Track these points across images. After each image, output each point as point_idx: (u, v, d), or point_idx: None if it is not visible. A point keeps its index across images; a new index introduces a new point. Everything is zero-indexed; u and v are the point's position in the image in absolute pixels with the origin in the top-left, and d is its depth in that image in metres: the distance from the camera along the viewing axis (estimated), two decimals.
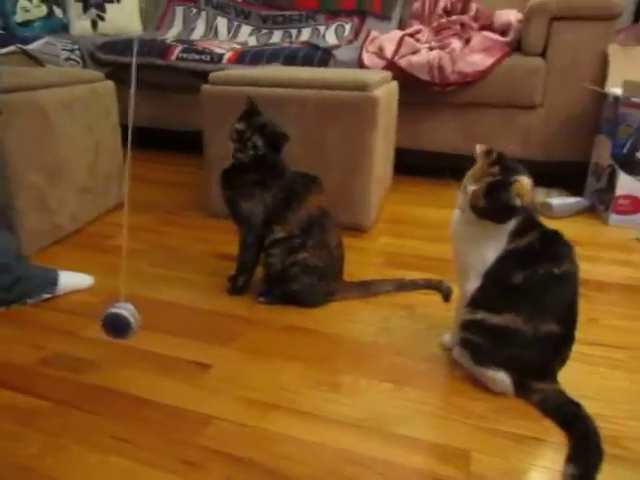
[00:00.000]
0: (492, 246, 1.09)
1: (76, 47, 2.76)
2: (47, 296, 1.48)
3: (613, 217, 2.13)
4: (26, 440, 1.00)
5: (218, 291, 1.56)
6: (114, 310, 1.06)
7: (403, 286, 1.55)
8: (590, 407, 1.05)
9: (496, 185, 1.05)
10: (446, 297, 1.47)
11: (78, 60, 2.76)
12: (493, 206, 1.05)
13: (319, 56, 2.58)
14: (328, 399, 1.12)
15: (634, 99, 2.03)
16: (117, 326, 1.06)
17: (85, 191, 1.97)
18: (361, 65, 2.52)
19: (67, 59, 2.70)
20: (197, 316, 1.44)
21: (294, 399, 1.12)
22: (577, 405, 1.06)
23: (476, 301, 1.13)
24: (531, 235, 1.08)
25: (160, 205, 2.28)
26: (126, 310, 1.06)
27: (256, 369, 1.22)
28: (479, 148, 1.11)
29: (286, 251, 1.43)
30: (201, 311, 1.46)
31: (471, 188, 1.08)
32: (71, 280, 1.53)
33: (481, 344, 1.12)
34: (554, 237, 1.10)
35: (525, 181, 1.06)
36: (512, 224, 1.08)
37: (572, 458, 0.95)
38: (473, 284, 1.13)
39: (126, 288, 1.56)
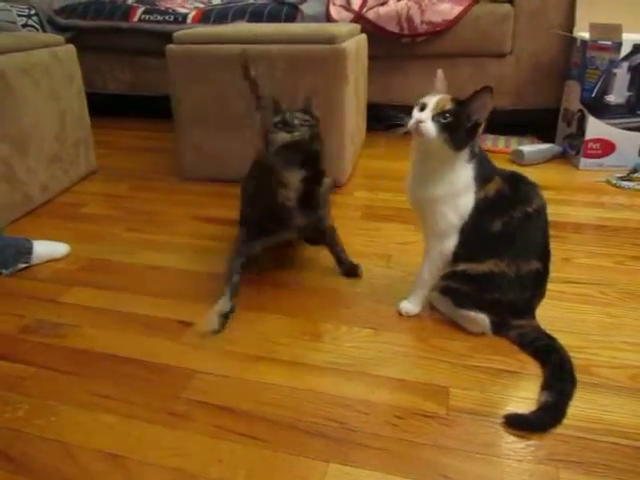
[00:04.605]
0: (466, 197, 1.09)
1: (33, 12, 2.65)
2: (23, 266, 1.46)
3: (583, 161, 2.16)
4: (13, 404, 1.01)
5: (197, 252, 1.56)
6: None
7: None
8: (564, 340, 1.09)
9: (468, 99, 1.03)
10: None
11: (37, 26, 2.65)
12: (464, 113, 1.03)
13: (286, 11, 2.53)
14: (310, 347, 1.14)
15: (601, 42, 2.03)
16: None
17: (54, 160, 1.93)
18: (329, 19, 2.47)
19: (25, 25, 2.60)
20: (177, 277, 1.44)
21: (276, 349, 1.14)
22: (551, 338, 1.10)
23: (456, 255, 1.13)
24: (496, 182, 1.10)
25: (134, 171, 2.25)
26: None
27: (238, 324, 1.23)
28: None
29: None
30: (180, 272, 1.46)
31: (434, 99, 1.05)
32: (46, 249, 1.52)
33: (464, 290, 1.13)
34: (519, 179, 1.12)
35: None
36: (471, 170, 1.08)
37: (547, 386, 0.99)
38: (452, 241, 1.12)
39: (104, 253, 1.56)
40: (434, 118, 1.02)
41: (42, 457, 0.89)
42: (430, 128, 1.02)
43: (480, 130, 1.06)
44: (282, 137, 1.21)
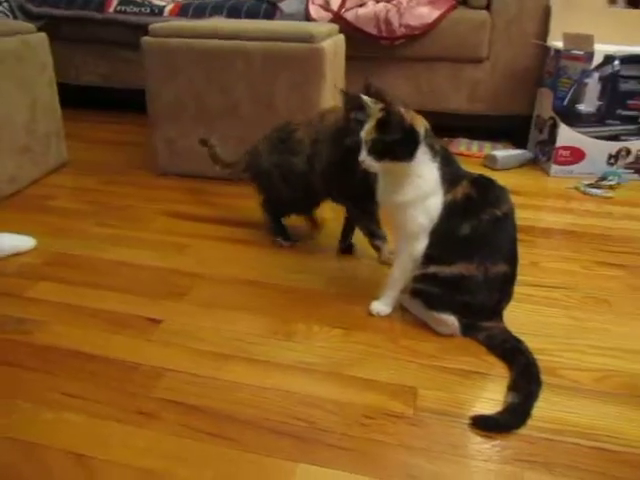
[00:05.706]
0: (435, 198, 1.11)
1: None
2: None
3: (554, 168, 2.20)
4: None
5: (168, 248, 1.54)
6: None
7: None
8: (531, 342, 1.11)
9: (383, 118, 1.06)
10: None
11: (7, 12, 2.59)
12: (387, 134, 1.05)
13: (264, 8, 2.51)
14: (281, 347, 1.14)
15: (574, 51, 2.08)
16: None
17: (23, 151, 1.89)
18: (308, 18, 2.47)
19: None
20: (147, 273, 1.42)
21: (247, 348, 1.13)
22: (519, 340, 1.12)
23: (426, 257, 1.14)
24: (464, 185, 1.11)
25: (106, 165, 2.21)
26: None
27: (208, 322, 1.22)
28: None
29: None
30: (150, 268, 1.44)
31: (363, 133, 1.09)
32: (11, 242, 1.48)
33: (435, 293, 1.14)
34: (487, 183, 1.13)
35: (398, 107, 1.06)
36: (436, 170, 1.10)
37: (513, 387, 1.01)
38: (422, 243, 1.14)
39: (72, 248, 1.53)
40: (369, 152, 1.07)
41: (3, 457, 0.87)
42: (370, 164, 1.08)
43: (419, 133, 1.06)
44: (347, 142, 1.29)
